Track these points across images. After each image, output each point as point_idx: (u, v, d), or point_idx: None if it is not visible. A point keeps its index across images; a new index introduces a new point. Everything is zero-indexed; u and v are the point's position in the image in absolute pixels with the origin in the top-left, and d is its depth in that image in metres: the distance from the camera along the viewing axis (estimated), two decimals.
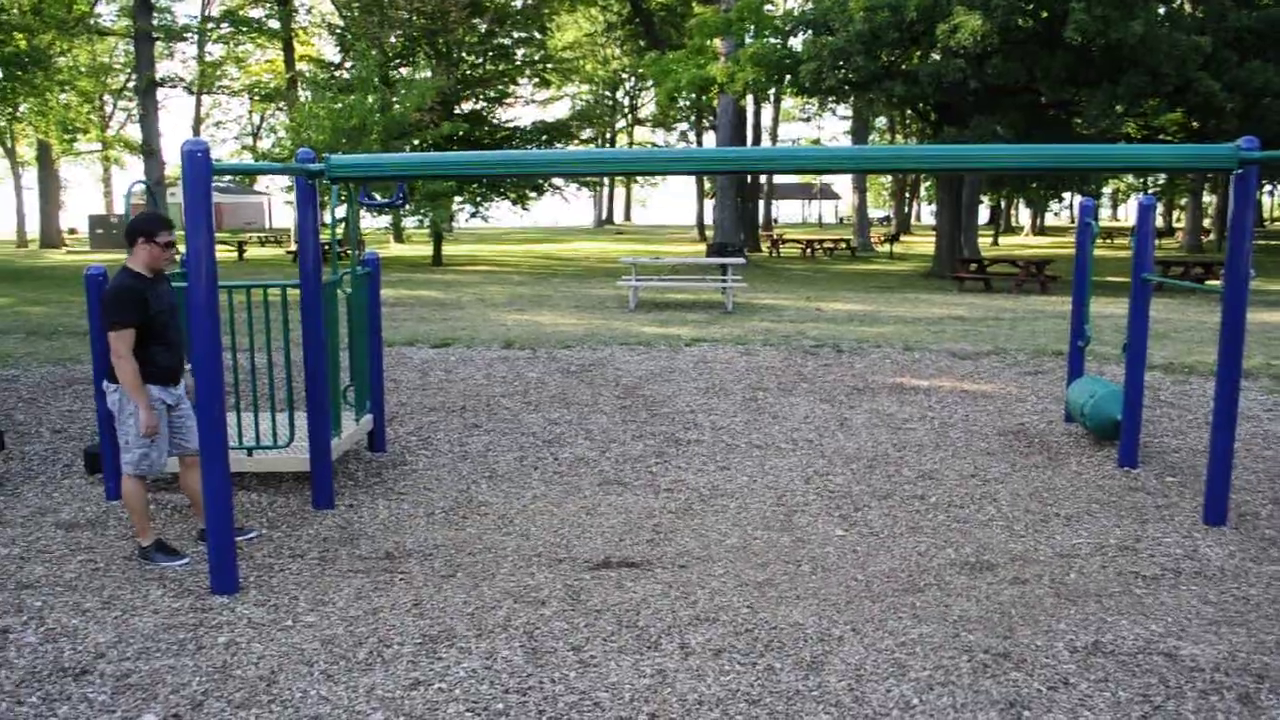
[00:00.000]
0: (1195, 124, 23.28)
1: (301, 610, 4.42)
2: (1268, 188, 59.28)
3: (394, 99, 24.25)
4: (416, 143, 25.74)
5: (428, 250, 29.96)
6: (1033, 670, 3.85)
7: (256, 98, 41.83)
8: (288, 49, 37.91)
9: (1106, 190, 59.12)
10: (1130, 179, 57.33)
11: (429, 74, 27.16)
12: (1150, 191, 47.95)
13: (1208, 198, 46.22)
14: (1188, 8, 25.11)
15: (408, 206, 24.37)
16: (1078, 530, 5.60)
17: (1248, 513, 5.87)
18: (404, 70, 29.57)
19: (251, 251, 34.64)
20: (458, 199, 28.80)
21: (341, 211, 10.00)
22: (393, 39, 29.35)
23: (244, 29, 38.71)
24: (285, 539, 5.40)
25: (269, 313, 6.25)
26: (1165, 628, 4.27)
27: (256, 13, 39.88)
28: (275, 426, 6.20)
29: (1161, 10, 22.81)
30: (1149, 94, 21.01)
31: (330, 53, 39.36)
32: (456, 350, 10.65)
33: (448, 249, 31.64)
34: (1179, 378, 9.56)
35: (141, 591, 4.63)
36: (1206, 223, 47.06)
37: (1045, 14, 20.78)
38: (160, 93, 31.71)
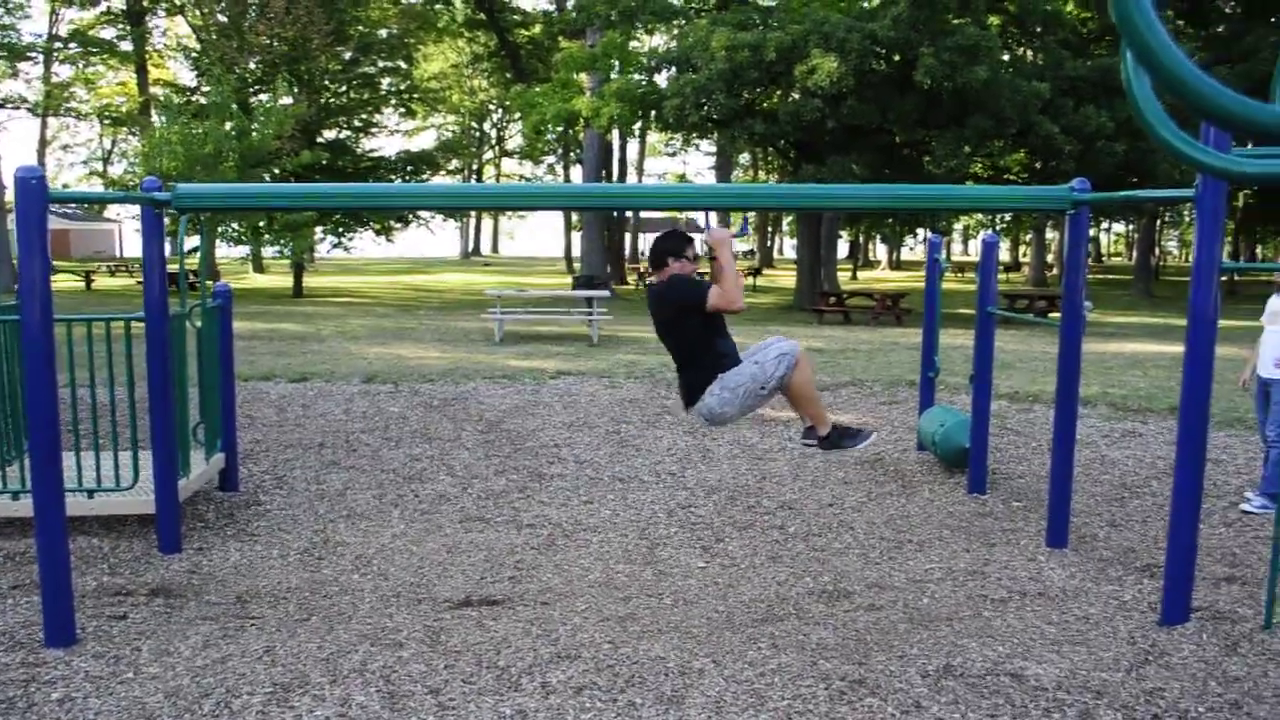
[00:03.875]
0: (1037, 165, 24.55)
1: (144, 661, 4.21)
2: (1105, 225, 62.83)
3: (252, 126, 23.59)
4: (277, 171, 25.12)
5: (288, 281, 29.19)
6: (887, 696, 3.94)
7: (107, 121, 40.18)
8: (141, 71, 36.58)
9: (958, 226, 61.70)
10: (979, 216, 59.99)
11: (289, 101, 26.54)
12: (997, 229, 50.27)
13: (1051, 234, 48.69)
14: (1029, 55, 26.56)
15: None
16: (930, 556, 5.78)
17: (1087, 535, 6.16)
18: (263, 97, 28.85)
19: (101, 281, 33.13)
20: (319, 229, 28.16)
21: (195, 241, 9.66)
22: (252, 65, 28.62)
23: (94, 50, 37.20)
24: (128, 586, 5.14)
25: (110, 346, 5.98)
26: (1011, 649, 4.43)
27: (108, 33, 38.40)
28: (118, 467, 5.91)
29: (1005, 57, 24.06)
30: (994, 136, 22.07)
31: (186, 77, 38.19)
32: (315, 385, 10.37)
33: (309, 280, 30.89)
34: (1024, 406, 9.99)
35: None
36: (1051, 257, 49.51)
37: (898, 58, 21.66)
38: (1, 114, 30.15)
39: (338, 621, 4.70)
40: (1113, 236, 78.43)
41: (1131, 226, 53.21)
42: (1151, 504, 6.81)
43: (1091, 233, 63.87)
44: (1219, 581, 5.32)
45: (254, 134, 23.28)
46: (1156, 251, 48.21)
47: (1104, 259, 72.01)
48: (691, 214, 67.60)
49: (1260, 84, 24.13)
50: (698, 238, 5.45)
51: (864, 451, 5.23)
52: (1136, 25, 0.99)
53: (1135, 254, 42.60)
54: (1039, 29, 25.59)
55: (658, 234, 5.43)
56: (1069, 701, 3.90)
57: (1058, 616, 4.85)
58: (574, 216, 46.70)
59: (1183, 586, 4.71)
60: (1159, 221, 44.52)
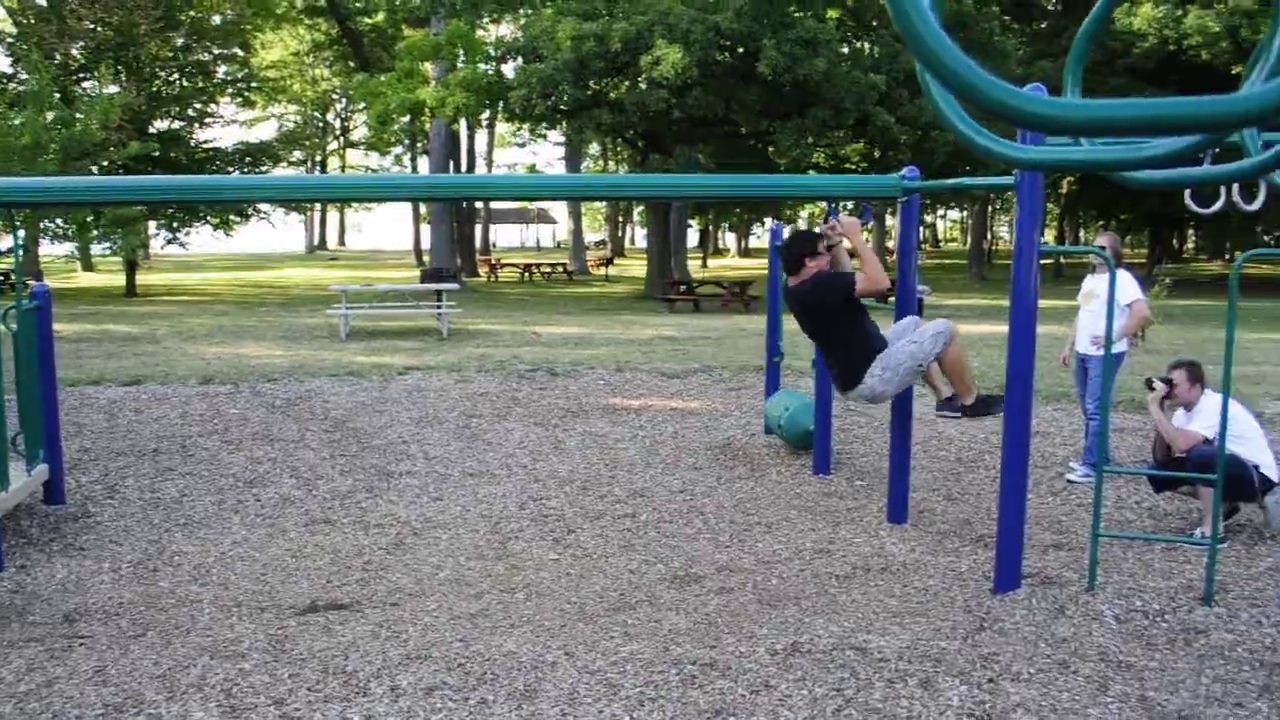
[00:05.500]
0: (876, 154, 25.38)
1: None
2: (940, 212, 65.43)
3: (76, 116, 22.27)
4: (105, 164, 23.84)
5: (121, 280, 27.79)
6: (737, 676, 4.00)
7: None
8: None
9: (804, 214, 63.27)
10: (823, 204, 61.63)
11: (115, 89, 25.19)
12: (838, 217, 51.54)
13: (891, 221, 50.42)
14: (866, 49, 27.40)
15: None
16: (778, 537, 5.91)
17: (926, 510, 6.40)
18: (87, 85, 27.30)
19: None
20: (151, 224, 26.85)
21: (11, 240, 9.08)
22: (74, 50, 27.05)
23: None
24: None
25: None
26: (856, 623, 4.57)
27: None
28: None
29: (845, 50, 24.76)
30: (833, 127, 22.70)
31: (0, 63, 35.84)
32: (149, 388, 9.90)
33: (143, 278, 29.47)
34: None
35: None
36: (892, 244, 51.26)
37: (741, 49, 22.02)
38: None
39: (175, 635, 4.50)
40: (948, 223, 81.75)
41: (965, 213, 55.55)
42: (985, 477, 7.13)
43: (929, 219, 66.41)
44: (1047, 548, 5.61)
45: (77, 124, 22.02)
46: (989, 236, 50.47)
47: (940, 244, 75.04)
48: (541, 205, 67.18)
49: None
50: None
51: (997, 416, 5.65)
52: (917, 30, 1.02)
53: (969, 239, 44.53)
54: (875, 23, 26.43)
55: (785, 239, 5.75)
56: (910, 671, 4.04)
57: (899, 589, 5.03)
58: (422, 208, 45.87)
59: (1013, 555, 4.95)
60: (990, 208, 46.61)
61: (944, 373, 5.61)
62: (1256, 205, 4.24)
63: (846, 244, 5.66)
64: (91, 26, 26.32)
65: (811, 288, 5.44)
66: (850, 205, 6.62)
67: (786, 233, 6.39)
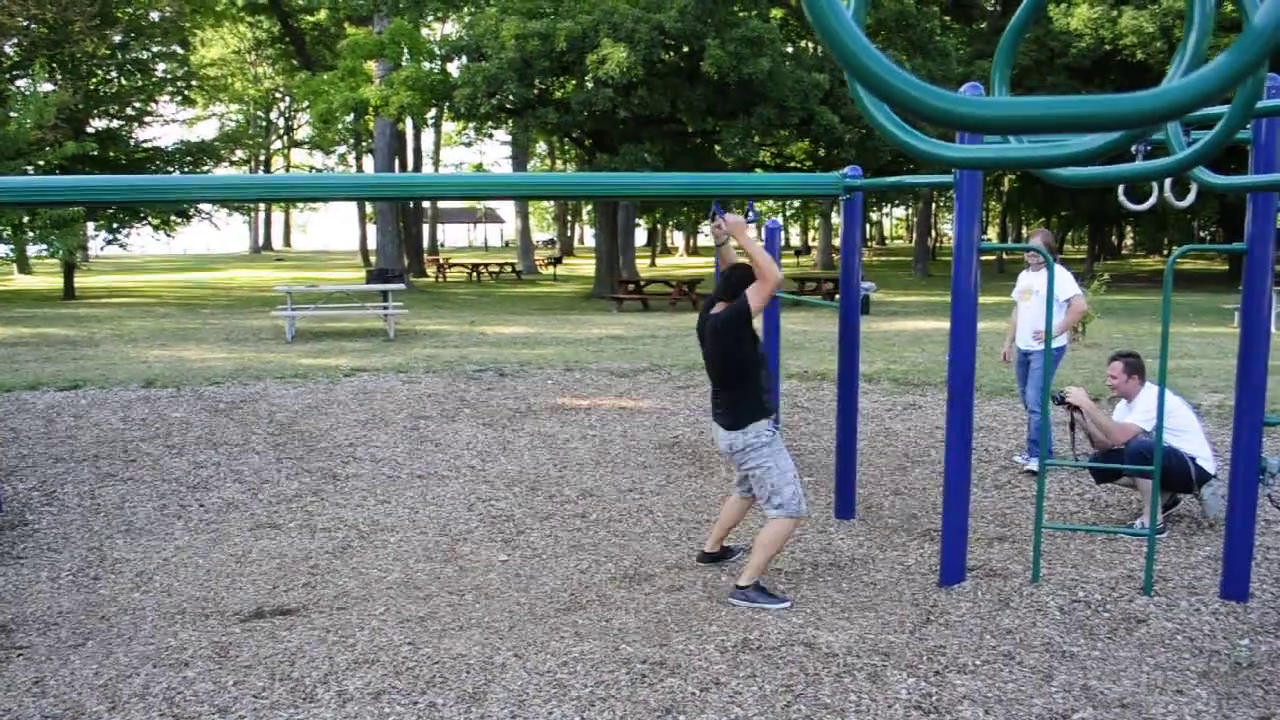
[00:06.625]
0: (821, 153, 25.57)
1: None
2: (886, 210, 66.08)
3: (9, 114, 21.76)
4: (41, 164, 23.30)
5: (59, 282, 27.21)
6: (687, 674, 4.02)
7: None
8: None
9: (752, 214, 63.55)
10: (771, 203, 61.99)
11: (50, 88, 24.65)
12: (787, 214, 52.08)
13: (838, 219, 50.91)
14: (810, 48, 27.60)
15: None
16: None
17: (873, 505, 6.46)
18: (21, 83, 26.69)
19: None
20: (90, 224, 26.28)
21: None
22: (7, 48, 26.44)
23: None
24: None
25: None
26: (805, 618, 4.60)
27: None
28: None
29: (789, 49, 24.90)
30: (778, 125, 22.83)
31: None
32: (89, 392, 9.71)
33: (82, 280, 28.88)
34: (813, 384, 10.40)
35: None
36: (838, 241, 51.70)
37: (686, 49, 22.08)
38: None
39: (116, 644, 4.42)
40: (894, 220, 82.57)
41: (910, 210, 56.19)
42: (931, 472, 7.21)
43: (875, 217, 67.00)
44: (992, 541, 5.68)
45: (11, 124, 21.53)
46: (933, 233, 51.08)
47: (886, 242, 75.78)
48: (489, 204, 66.80)
49: (1019, 77, 25.95)
50: (707, 227, 5.36)
51: (772, 613, 4.86)
52: (838, 36, 1.03)
53: (914, 236, 45.00)
54: None
55: (731, 266, 5.21)
56: (858, 665, 4.08)
57: (847, 585, 5.07)
58: (368, 208, 45.40)
59: (958, 548, 5.01)
60: (934, 205, 47.18)
61: (760, 536, 4.99)
62: (1187, 202, 4.34)
63: (733, 243, 5.38)
64: (25, 23, 25.75)
65: (724, 311, 5.06)
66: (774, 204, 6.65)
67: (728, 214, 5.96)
